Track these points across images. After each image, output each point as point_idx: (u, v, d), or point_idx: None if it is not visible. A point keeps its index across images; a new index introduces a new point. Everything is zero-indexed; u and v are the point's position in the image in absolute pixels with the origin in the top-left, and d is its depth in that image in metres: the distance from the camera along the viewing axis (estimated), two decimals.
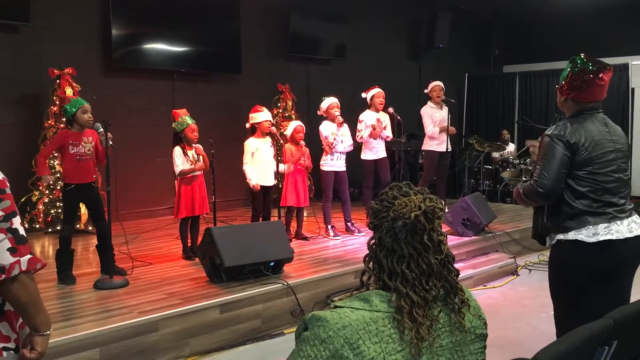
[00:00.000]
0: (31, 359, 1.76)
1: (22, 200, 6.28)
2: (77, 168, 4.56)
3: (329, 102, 6.32)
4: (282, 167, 5.96)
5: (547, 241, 2.85)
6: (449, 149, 7.54)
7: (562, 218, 2.70)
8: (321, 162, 6.36)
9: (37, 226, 6.38)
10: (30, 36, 6.56)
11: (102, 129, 4.49)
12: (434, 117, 7.39)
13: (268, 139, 5.87)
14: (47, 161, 4.74)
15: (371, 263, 1.53)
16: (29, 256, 1.70)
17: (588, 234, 2.62)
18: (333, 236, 6.29)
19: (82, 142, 4.59)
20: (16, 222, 1.69)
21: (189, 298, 4.15)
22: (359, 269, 5.02)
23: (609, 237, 2.59)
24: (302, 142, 6.13)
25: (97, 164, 4.75)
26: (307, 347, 1.37)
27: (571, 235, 2.65)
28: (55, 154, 6.41)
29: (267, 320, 4.38)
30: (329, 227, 6.37)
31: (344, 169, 6.40)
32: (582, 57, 2.75)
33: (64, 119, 6.39)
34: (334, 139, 6.22)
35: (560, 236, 2.70)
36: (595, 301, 2.63)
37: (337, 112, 6.26)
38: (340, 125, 6.26)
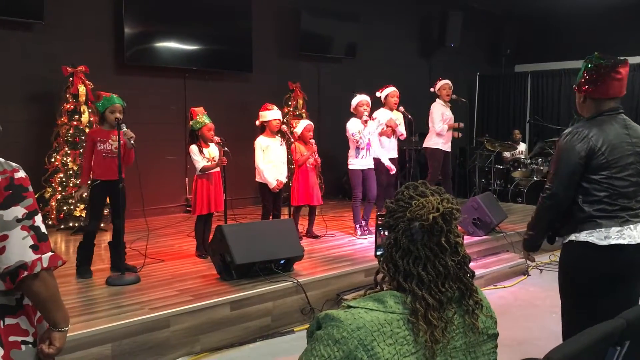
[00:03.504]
0: (49, 354, 1.78)
1: (35, 196, 6.31)
2: (102, 164, 4.58)
3: (359, 99, 6.26)
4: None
5: (557, 240, 2.83)
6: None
7: (575, 220, 2.67)
8: (348, 161, 6.33)
9: (50, 222, 6.43)
10: (43, 34, 6.62)
11: (125, 129, 4.49)
12: (445, 115, 7.36)
13: (278, 138, 5.89)
14: (91, 165, 4.68)
15: (385, 263, 1.52)
16: (50, 253, 1.73)
17: (600, 237, 2.59)
18: (360, 235, 6.26)
19: (110, 140, 4.60)
20: (38, 219, 1.73)
21: (200, 295, 4.18)
22: (369, 268, 5.02)
23: (620, 241, 2.56)
24: (312, 141, 6.14)
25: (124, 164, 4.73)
26: (320, 346, 1.37)
27: (583, 237, 2.63)
28: (68, 151, 6.49)
29: (277, 318, 4.40)
30: (357, 226, 6.35)
31: (372, 166, 6.35)
32: (596, 54, 2.73)
33: (77, 116, 6.56)
34: (360, 137, 6.16)
35: (573, 236, 2.68)
36: (604, 304, 2.59)
37: (365, 110, 6.19)
38: (364, 123, 6.19)
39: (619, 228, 2.58)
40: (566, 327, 2.78)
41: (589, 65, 2.71)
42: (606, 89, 2.67)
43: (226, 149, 5.32)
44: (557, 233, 2.82)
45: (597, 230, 2.59)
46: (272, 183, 5.73)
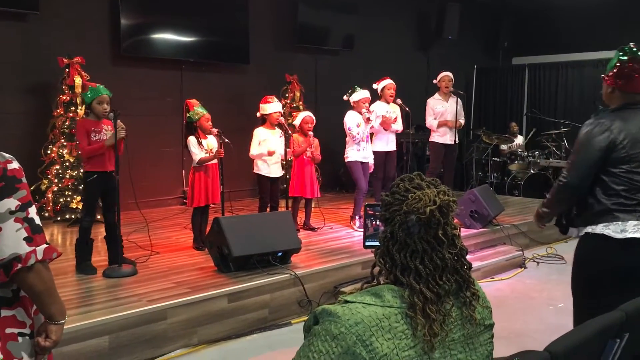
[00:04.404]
0: (45, 347, 1.77)
1: (32, 188, 6.27)
2: (99, 155, 4.48)
3: (362, 95, 6.25)
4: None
5: (572, 231, 2.81)
6: (455, 141, 7.55)
7: (591, 212, 2.66)
8: (346, 155, 6.33)
9: (46, 214, 6.41)
10: (39, 25, 6.57)
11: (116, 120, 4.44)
12: (436, 110, 7.46)
13: (277, 130, 5.88)
14: (88, 141, 4.47)
15: (382, 257, 1.51)
16: (44, 246, 1.71)
17: (616, 230, 2.57)
18: (358, 227, 6.25)
19: (103, 130, 4.53)
20: (32, 211, 1.70)
21: (197, 287, 4.17)
22: (366, 260, 5.02)
23: (637, 235, 2.53)
24: (311, 133, 6.12)
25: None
26: (318, 342, 1.36)
27: (599, 229, 2.61)
28: (64, 143, 6.46)
29: (274, 310, 4.40)
30: (357, 217, 6.34)
31: (369, 159, 6.38)
32: (631, 46, 2.67)
33: (74, 107, 6.52)
34: (358, 133, 6.18)
35: (589, 229, 2.66)
36: (616, 298, 2.55)
37: (366, 107, 6.20)
38: (367, 121, 6.21)
39: (636, 222, 2.55)
40: (577, 321, 2.74)
41: (623, 57, 2.66)
42: (637, 84, 2.63)
43: (227, 140, 5.30)
44: (572, 223, 2.80)
45: (614, 223, 2.57)
46: (264, 152, 5.70)
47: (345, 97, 6.40)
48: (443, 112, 7.44)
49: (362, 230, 6.11)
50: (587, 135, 2.63)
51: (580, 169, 2.63)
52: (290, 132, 6.08)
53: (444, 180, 7.46)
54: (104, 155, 4.51)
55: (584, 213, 2.70)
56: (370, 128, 6.62)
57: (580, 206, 2.73)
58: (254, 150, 5.79)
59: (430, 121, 7.46)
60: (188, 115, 5.27)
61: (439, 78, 7.56)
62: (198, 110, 5.23)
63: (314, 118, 6.17)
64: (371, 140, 6.58)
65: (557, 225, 2.92)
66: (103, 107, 4.49)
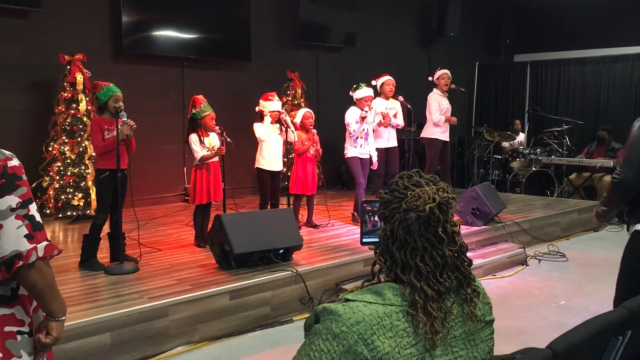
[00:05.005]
0: (46, 344, 1.77)
1: (33, 185, 6.30)
2: (111, 152, 4.45)
3: (366, 94, 6.22)
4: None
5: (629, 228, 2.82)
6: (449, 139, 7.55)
7: None
8: (345, 151, 6.32)
9: (48, 212, 6.41)
10: (40, 22, 6.57)
11: (125, 118, 4.42)
12: (442, 105, 7.38)
13: (277, 126, 5.87)
14: (102, 138, 4.49)
15: (382, 255, 1.50)
16: (45, 243, 1.71)
17: None
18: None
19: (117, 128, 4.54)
20: (33, 208, 1.70)
21: (199, 284, 4.17)
22: (367, 258, 5.02)
23: None
24: (314, 131, 6.11)
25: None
26: (319, 340, 1.35)
27: None
28: (66, 140, 6.46)
29: (276, 307, 4.40)
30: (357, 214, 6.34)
31: (368, 156, 6.37)
32: None
33: (75, 105, 6.51)
34: (354, 130, 6.17)
35: (638, 226, 2.67)
36: None
37: (367, 106, 6.19)
38: (362, 120, 6.19)
39: None
40: None
41: None
42: None
43: (229, 139, 5.30)
44: (627, 221, 2.79)
45: None
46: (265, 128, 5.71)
47: (350, 93, 6.38)
48: (447, 108, 7.41)
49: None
50: (638, 130, 2.64)
51: (633, 163, 2.62)
52: (292, 129, 6.07)
53: (443, 178, 7.44)
54: (121, 152, 4.49)
55: (634, 210, 2.69)
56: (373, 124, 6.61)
57: (632, 203, 2.72)
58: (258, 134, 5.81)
59: (438, 116, 7.32)
60: (194, 111, 5.26)
61: (437, 75, 7.48)
62: (204, 108, 5.22)
63: (313, 113, 6.16)
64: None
65: (622, 222, 2.92)
66: (117, 105, 4.50)
